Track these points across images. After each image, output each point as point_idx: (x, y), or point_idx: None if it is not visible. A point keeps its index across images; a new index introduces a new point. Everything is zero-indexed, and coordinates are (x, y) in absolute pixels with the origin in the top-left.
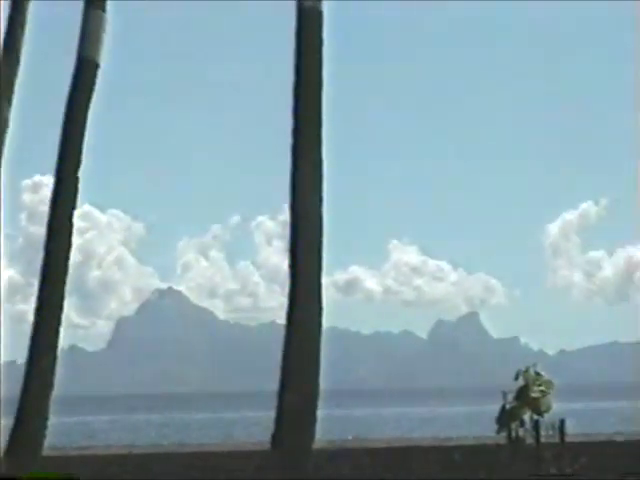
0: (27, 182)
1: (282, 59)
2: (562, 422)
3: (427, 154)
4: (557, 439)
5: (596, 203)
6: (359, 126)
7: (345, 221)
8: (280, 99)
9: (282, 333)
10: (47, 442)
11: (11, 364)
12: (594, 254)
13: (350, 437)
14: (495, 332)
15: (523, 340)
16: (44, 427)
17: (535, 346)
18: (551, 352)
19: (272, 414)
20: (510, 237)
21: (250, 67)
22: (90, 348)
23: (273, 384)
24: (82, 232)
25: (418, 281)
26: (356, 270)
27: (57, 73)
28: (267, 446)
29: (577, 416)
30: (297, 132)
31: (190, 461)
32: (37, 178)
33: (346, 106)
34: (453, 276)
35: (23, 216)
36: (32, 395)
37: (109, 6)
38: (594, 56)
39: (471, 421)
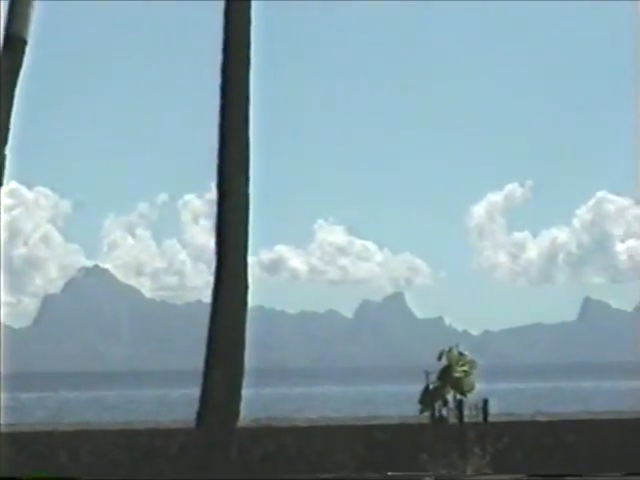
0: None
1: (211, 37)
2: (485, 402)
3: (354, 135)
4: (480, 419)
5: (521, 184)
6: (288, 107)
7: (271, 200)
8: (208, 77)
9: (208, 312)
10: None
11: None
12: (519, 235)
13: (274, 416)
14: (420, 312)
15: (447, 320)
16: None
17: (459, 327)
18: (475, 333)
19: (197, 392)
20: (436, 218)
21: (179, 45)
22: (16, 325)
23: (198, 363)
24: (9, 209)
25: (344, 261)
26: (282, 249)
27: None
28: (192, 424)
29: (500, 396)
30: (225, 111)
31: (114, 439)
32: None
33: (275, 86)
34: (379, 256)
35: None
36: None
37: None
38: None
39: (395, 401)
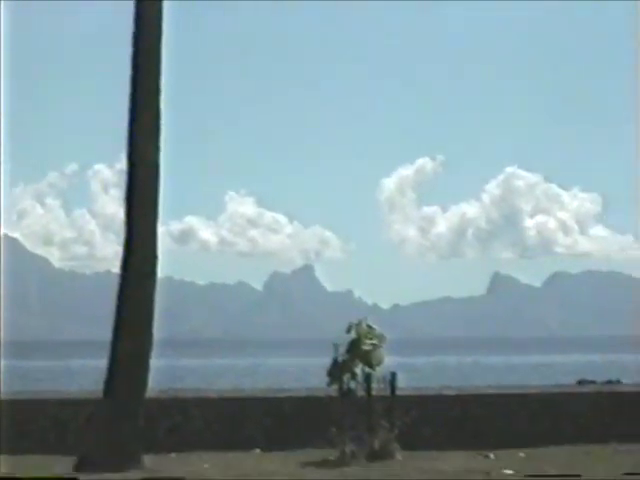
0: None
1: (122, 10)
2: (393, 375)
3: (267, 107)
4: (388, 392)
5: (432, 159)
6: (200, 78)
7: (182, 171)
8: (121, 47)
9: (117, 282)
10: None
11: None
12: (428, 210)
13: (183, 387)
14: (329, 285)
15: (357, 294)
16: None
17: (369, 300)
18: (385, 306)
19: (105, 363)
20: (346, 191)
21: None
22: None
23: (107, 333)
24: None
25: (253, 233)
26: (192, 220)
27: None
28: (99, 395)
29: (408, 370)
30: (136, 81)
31: (21, 409)
32: None
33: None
34: (289, 228)
35: None
36: None
37: None
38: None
39: (303, 373)
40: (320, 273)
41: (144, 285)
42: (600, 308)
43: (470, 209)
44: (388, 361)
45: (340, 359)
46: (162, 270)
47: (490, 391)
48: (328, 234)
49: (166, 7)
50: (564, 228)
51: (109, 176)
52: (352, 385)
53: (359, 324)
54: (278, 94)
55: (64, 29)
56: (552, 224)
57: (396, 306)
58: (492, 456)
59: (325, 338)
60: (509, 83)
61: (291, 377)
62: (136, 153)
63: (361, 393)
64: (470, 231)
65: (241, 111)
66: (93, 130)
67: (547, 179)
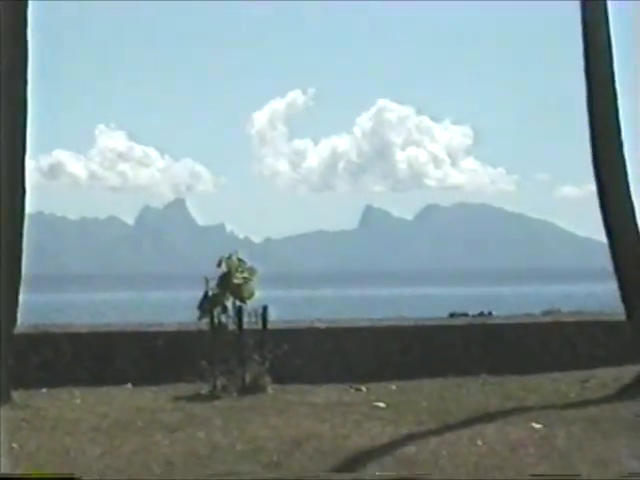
0: None
1: None
2: (265, 309)
3: (138, 40)
4: (260, 326)
5: (304, 92)
6: (70, 10)
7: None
8: None
9: None
10: None
11: None
12: (300, 143)
13: (53, 323)
14: (201, 219)
15: (229, 228)
16: None
17: (241, 234)
18: (257, 240)
19: None
20: (217, 124)
21: None
22: None
23: None
24: None
25: (124, 166)
26: (61, 155)
27: None
28: None
29: (280, 303)
30: (1, 12)
31: None
32: None
33: None
34: (160, 162)
35: None
36: None
37: None
38: None
39: (175, 307)
40: (192, 207)
41: (13, 221)
42: (472, 241)
43: (341, 142)
44: (259, 294)
45: (211, 293)
46: (32, 205)
47: (362, 324)
48: (199, 168)
49: None
50: (435, 161)
51: None
52: (223, 319)
53: (230, 258)
54: (149, 29)
55: None
56: (423, 157)
57: (268, 240)
58: (364, 389)
59: (197, 272)
60: (380, 16)
61: (163, 311)
62: (3, 88)
63: (232, 327)
64: (341, 164)
65: (111, 45)
66: None
67: (419, 112)
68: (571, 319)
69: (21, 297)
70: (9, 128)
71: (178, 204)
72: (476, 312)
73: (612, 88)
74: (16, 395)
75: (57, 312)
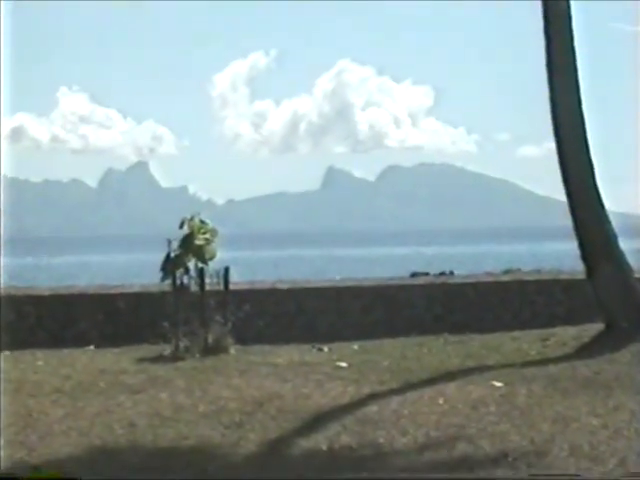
0: None
1: None
2: (226, 270)
3: (99, 2)
4: (222, 287)
5: (266, 54)
6: None
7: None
8: None
9: None
10: None
11: None
12: (261, 105)
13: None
14: (164, 182)
15: (192, 189)
16: None
17: (204, 196)
18: (220, 202)
19: None
20: (179, 86)
21: None
22: None
23: None
24: None
25: (86, 129)
26: (23, 118)
27: None
28: None
29: (242, 264)
30: None
31: None
32: None
33: None
34: (122, 125)
35: None
36: None
37: None
38: None
39: (137, 269)
40: (154, 169)
41: None
42: (433, 201)
43: (302, 104)
44: (222, 256)
45: (173, 254)
46: None
47: (323, 284)
48: (162, 130)
49: None
50: (396, 121)
51: None
52: (185, 280)
53: (192, 219)
54: None
55: None
56: (384, 117)
57: (231, 201)
58: (326, 349)
59: (160, 234)
60: None
61: (125, 273)
62: None
63: (195, 288)
64: (303, 126)
65: (74, 8)
66: None
67: (379, 73)
68: (531, 278)
69: None
70: None
71: (141, 166)
72: (437, 271)
73: (570, 31)
74: None
75: (19, 276)
